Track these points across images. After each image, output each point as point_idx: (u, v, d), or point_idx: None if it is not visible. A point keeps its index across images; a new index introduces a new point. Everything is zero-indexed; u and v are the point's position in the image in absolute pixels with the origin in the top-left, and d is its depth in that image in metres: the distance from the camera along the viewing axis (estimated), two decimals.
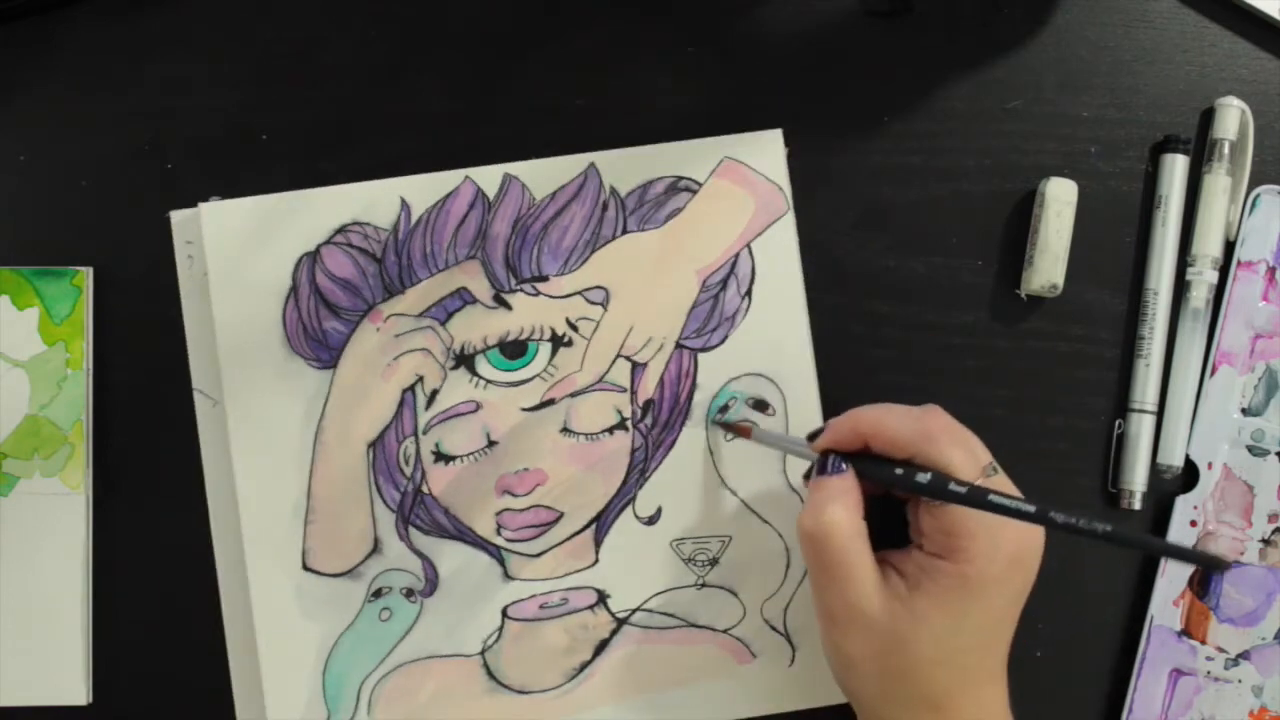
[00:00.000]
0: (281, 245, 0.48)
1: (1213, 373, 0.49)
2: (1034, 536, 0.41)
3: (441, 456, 0.48)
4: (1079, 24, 0.50)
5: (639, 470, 0.48)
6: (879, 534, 0.42)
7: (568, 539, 0.48)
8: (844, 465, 0.42)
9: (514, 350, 0.48)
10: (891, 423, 0.42)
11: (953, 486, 0.39)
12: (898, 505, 0.45)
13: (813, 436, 0.44)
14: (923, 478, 0.40)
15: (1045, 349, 0.49)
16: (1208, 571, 0.47)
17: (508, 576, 0.48)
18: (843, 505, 0.41)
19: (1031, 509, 0.38)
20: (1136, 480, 0.48)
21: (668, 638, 0.48)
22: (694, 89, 0.49)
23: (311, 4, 0.50)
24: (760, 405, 0.48)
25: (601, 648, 0.48)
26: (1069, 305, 0.49)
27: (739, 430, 0.47)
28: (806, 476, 0.45)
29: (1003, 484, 0.41)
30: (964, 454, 0.41)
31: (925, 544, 0.42)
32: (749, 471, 0.48)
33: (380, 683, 0.47)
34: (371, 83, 0.49)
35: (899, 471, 0.41)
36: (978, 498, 0.39)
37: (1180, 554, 0.41)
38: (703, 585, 0.48)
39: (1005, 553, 0.40)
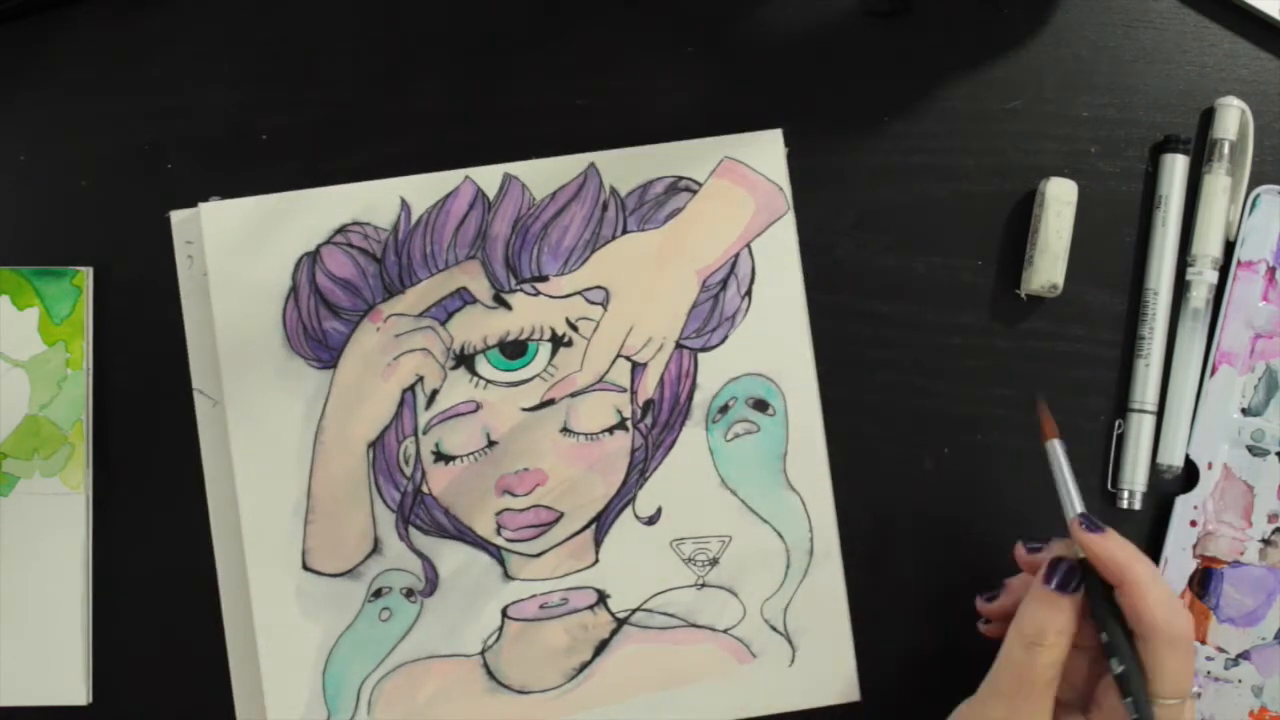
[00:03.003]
0: (281, 245, 0.48)
1: (1213, 373, 0.49)
2: None
3: (441, 456, 0.48)
4: (1079, 24, 0.50)
5: (639, 470, 0.48)
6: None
7: (568, 539, 0.48)
8: (1079, 586, 0.40)
9: (514, 350, 0.48)
10: (1151, 596, 0.39)
11: (1137, 698, 0.38)
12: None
13: (1083, 519, 0.41)
14: (1125, 665, 0.39)
15: (1045, 349, 0.49)
16: None
17: (508, 576, 0.48)
18: (1066, 632, 0.40)
19: None
20: (1136, 480, 0.48)
21: (668, 638, 0.48)
22: (694, 89, 0.49)
23: (311, 4, 0.50)
24: (760, 405, 0.48)
25: (601, 648, 0.48)
26: (1069, 305, 0.49)
27: (1046, 428, 0.44)
28: (1030, 548, 0.43)
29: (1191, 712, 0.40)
30: (1180, 667, 0.39)
31: (1093, 711, 0.41)
32: (749, 471, 0.48)
33: (380, 683, 0.47)
34: (371, 83, 0.49)
35: (1110, 639, 0.39)
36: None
37: None
38: (703, 585, 0.48)
39: None
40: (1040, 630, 0.40)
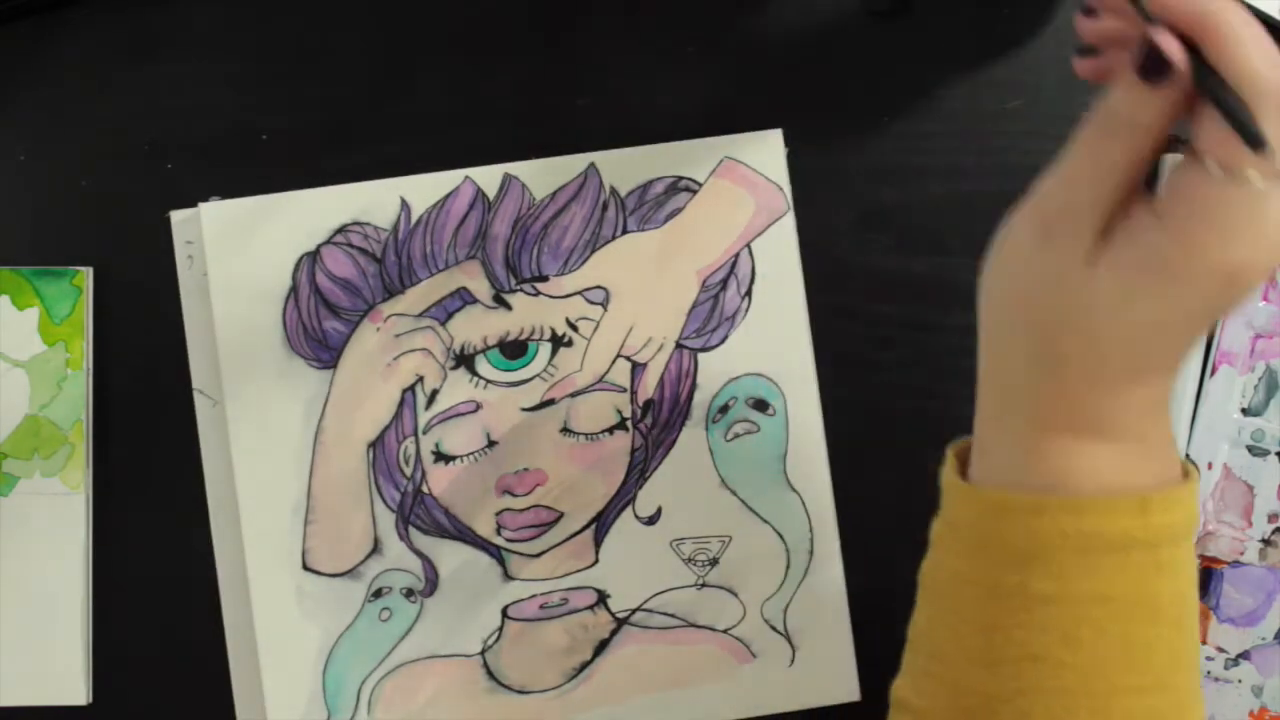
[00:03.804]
0: (281, 245, 0.48)
1: (1213, 373, 0.49)
2: (1267, 255, 0.31)
3: (441, 456, 0.48)
4: None
5: (639, 470, 0.48)
6: None
7: (568, 539, 0.48)
8: (1174, 67, 0.31)
9: (514, 350, 0.48)
10: (1246, 45, 0.32)
11: (1238, 113, 0.30)
12: None
13: None
14: (1228, 97, 0.31)
15: None
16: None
17: (508, 576, 0.48)
18: (1155, 126, 0.32)
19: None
20: None
21: (668, 638, 0.48)
22: (694, 89, 0.49)
23: (311, 4, 0.50)
24: (760, 405, 0.48)
25: (601, 648, 0.48)
26: None
27: None
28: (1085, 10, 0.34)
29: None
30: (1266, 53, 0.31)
31: (1158, 205, 0.33)
32: (749, 471, 0.48)
33: (380, 683, 0.47)
34: (371, 83, 0.49)
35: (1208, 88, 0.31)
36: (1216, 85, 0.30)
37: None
38: (703, 585, 0.48)
39: (1226, 259, 0.31)
40: (1130, 115, 0.32)
